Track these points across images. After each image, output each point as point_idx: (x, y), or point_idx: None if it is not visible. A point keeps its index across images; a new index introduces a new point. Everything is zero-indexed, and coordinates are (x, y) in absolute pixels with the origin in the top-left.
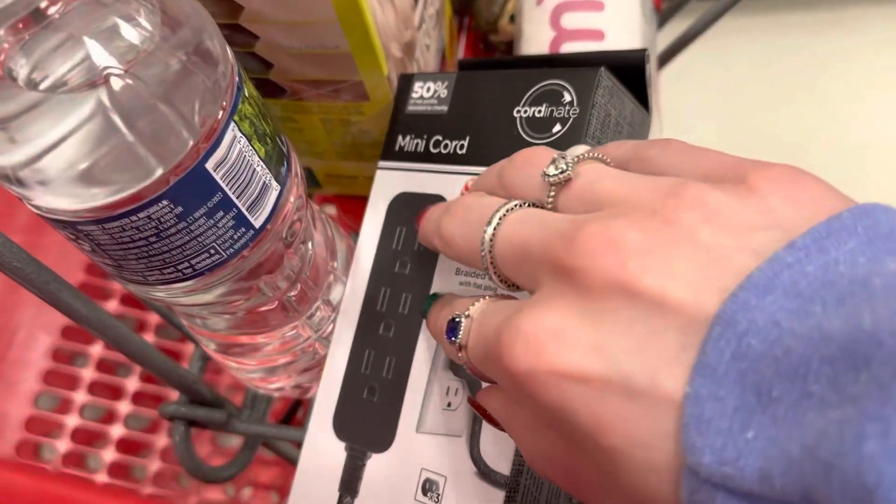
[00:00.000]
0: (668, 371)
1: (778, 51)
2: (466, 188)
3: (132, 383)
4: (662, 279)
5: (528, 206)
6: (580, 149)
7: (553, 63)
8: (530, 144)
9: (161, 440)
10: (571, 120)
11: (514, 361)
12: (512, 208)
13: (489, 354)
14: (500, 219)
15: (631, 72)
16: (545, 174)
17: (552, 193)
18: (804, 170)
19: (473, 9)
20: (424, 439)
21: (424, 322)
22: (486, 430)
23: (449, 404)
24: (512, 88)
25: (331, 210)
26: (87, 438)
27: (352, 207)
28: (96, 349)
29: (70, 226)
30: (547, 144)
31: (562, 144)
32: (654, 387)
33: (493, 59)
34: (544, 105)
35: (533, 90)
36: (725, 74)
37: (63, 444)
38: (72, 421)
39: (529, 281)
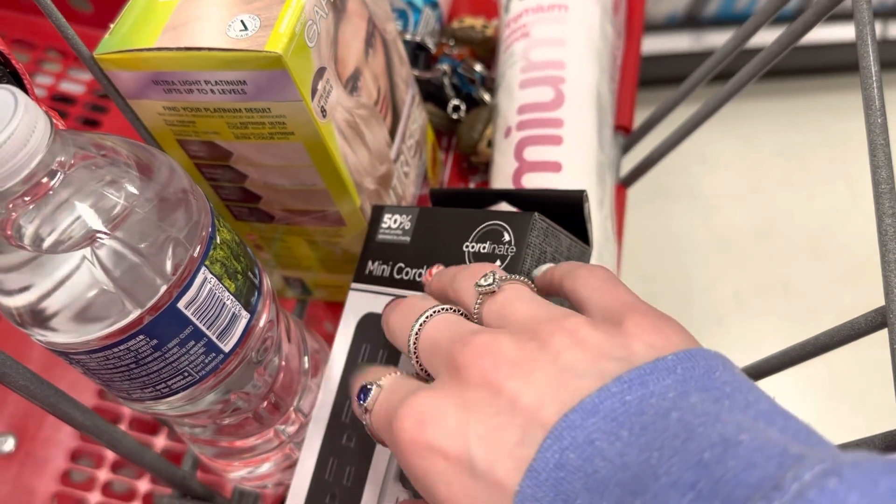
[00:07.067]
0: (503, 462)
1: (805, 135)
2: (430, 275)
3: None
4: (521, 385)
5: (454, 311)
6: (543, 267)
7: (507, 198)
8: None
9: None
10: (509, 257)
11: (402, 432)
12: (439, 311)
13: (389, 422)
14: (427, 318)
15: (572, 209)
16: (477, 284)
17: (479, 302)
18: (671, 319)
19: (457, 132)
20: None
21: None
22: None
23: None
24: (462, 226)
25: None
26: None
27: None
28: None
29: (65, 354)
30: None
31: None
32: (491, 472)
33: (459, 191)
34: (488, 242)
35: (479, 229)
36: (752, 158)
37: None
38: (94, 498)
39: (434, 370)
